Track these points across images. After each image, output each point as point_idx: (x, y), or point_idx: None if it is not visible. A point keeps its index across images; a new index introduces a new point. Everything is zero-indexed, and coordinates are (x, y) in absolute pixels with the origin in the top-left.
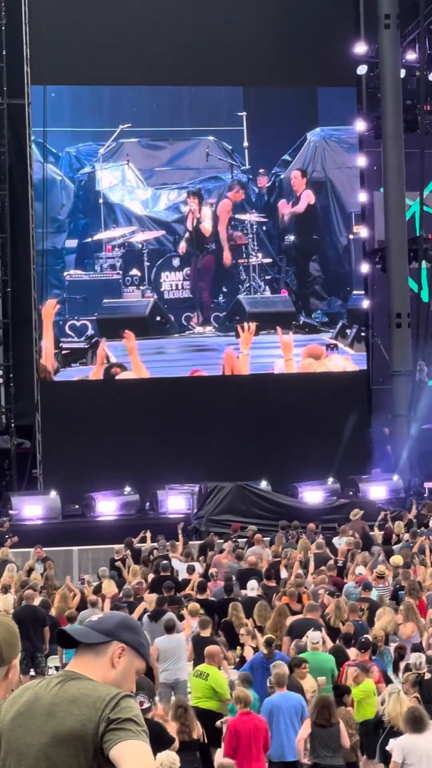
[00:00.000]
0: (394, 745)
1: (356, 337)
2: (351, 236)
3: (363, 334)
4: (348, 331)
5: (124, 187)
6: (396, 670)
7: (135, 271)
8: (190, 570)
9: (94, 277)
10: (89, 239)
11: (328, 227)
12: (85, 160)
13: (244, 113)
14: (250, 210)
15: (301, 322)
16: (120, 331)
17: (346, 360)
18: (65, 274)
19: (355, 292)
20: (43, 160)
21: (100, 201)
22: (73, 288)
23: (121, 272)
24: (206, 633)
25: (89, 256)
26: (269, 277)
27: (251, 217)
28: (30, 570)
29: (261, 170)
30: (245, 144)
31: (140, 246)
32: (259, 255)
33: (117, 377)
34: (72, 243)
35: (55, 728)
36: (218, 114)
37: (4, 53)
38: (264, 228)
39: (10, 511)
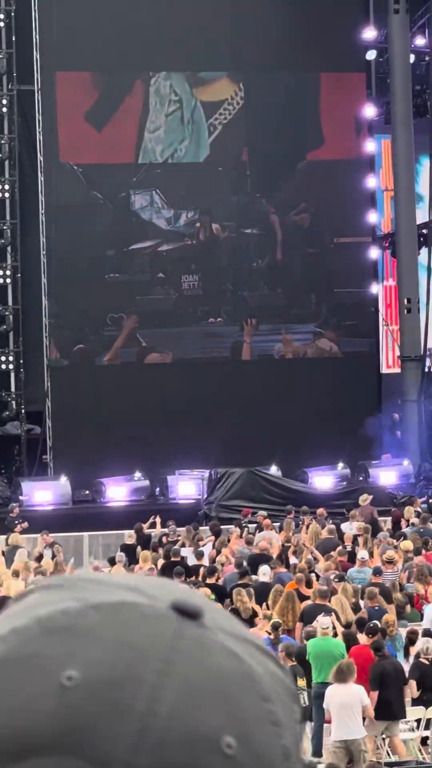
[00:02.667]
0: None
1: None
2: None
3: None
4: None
5: (152, 208)
6: (407, 654)
7: (160, 274)
8: (199, 555)
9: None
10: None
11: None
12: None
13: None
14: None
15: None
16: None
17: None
18: (106, 276)
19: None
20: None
21: (133, 219)
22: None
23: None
24: None
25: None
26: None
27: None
28: (39, 557)
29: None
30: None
31: (164, 254)
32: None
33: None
34: (111, 252)
35: None
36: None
37: (14, 39)
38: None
39: (21, 497)
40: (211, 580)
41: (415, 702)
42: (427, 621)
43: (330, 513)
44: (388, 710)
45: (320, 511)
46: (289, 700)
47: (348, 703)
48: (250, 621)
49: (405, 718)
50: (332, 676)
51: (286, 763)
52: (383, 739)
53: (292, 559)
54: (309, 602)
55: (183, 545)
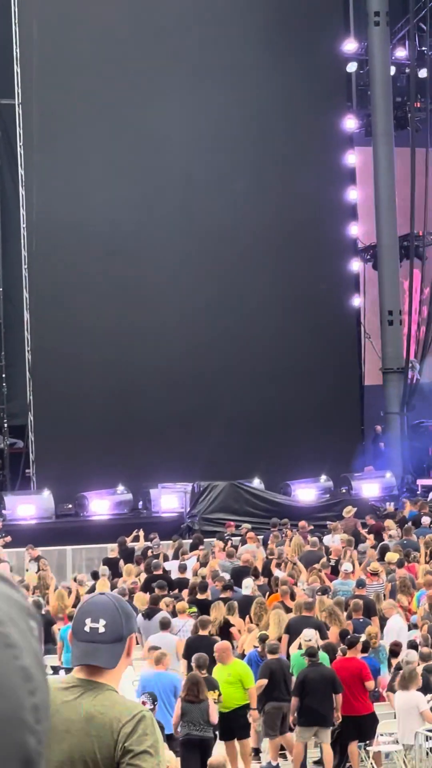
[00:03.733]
0: None
1: None
2: None
3: None
4: None
5: None
6: (390, 666)
7: None
8: (182, 568)
9: None
10: None
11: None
12: None
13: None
14: None
15: None
16: None
17: None
18: None
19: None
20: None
21: None
22: None
23: None
24: (204, 632)
25: None
26: None
27: None
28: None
29: None
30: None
31: None
32: None
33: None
34: None
35: (71, 747)
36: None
37: None
38: None
39: (4, 511)
40: (202, 596)
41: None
42: (393, 633)
43: (315, 525)
44: (311, 717)
45: (302, 524)
46: (24, 620)
47: (407, 708)
48: (223, 632)
49: (333, 726)
50: (397, 682)
51: (28, 683)
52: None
53: (276, 572)
54: (295, 614)
55: (166, 558)
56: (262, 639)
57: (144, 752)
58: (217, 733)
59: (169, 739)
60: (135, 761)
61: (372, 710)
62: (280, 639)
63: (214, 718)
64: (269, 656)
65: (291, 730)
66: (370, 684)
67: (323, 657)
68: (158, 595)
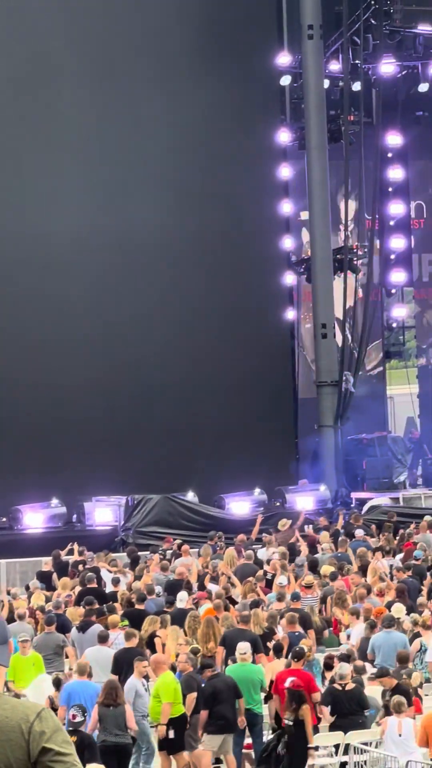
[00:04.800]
0: None
1: None
2: None
3: None
4: None
5: None
6: (324, 679)
7: None
8: (115, 582)
9: None
10: None
11: None
12: None
13: None
14: None
15: None
16: None
17: None
18: None
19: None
20: None
21: None
22: None
23: None
24: (131, 644)
25: None
26: None
27: None
28: None
29: None
30: None
31: None
32: None
33: None
34: None
35: None
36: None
37: None
38: None
39: None
40: (140, 606)
41: (332, 727)
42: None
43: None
44: (224, 724)
45: (239, 537)
46: None
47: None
48: (149, 644)
49: (238, 732)
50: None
51: None
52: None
53: (210, 585)
54: (232, 627)
55: (100, 571)
56: (194, 652)
57: (62, 746)
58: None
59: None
60: (58, 758)
61: (316, 722)
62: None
63: (131, 724)
64: (207, 672)
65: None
66: (316, 696)
67: (258, 669)
68: (92, 608)
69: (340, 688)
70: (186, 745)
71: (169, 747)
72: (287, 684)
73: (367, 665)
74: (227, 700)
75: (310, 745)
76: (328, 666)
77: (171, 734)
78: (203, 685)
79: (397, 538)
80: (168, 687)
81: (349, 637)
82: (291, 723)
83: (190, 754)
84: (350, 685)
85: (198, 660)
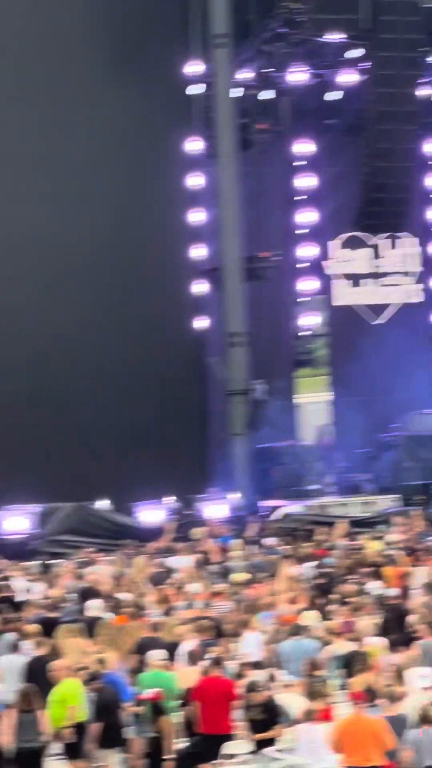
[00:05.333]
0: None
1: None
2: None
3: None
4: None
5: None
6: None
7: None
8: (28, 590)
9: None
10: None
11: None
12: None
13: None
14: None
15: None
16: None
17: None
18: None
19: None
20: None
21: None
22: None
23: None
24: (42, 651)
25: None
26: None
27: None
28: None
29: None
30: None
31: None
32: None
33: None
34: None
35: None
36: None
37: None
38: None
39: None
40: (53, 614)
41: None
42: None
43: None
44: (114, 738)
45: (151, 546)
46: None
47: None
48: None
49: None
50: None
51: None
52: None
53: (122, 593)
54: (144, 635)
55: (11, 580)
56: (101, 661)
57: None
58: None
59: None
60: None
61: (230, 731)
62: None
63: (46, 729)
64: (94, 683)
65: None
66: (236, 703)
67: (172, 677)
68: (4, 617)
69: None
70: (87, 755)
71: (71, 752)
72: (144, 696)
73: (278, 673)
74: (119, 714)
75: (167, 757)
76: (239, 675)
77: (73, 738)
78: (92, 696)
79: (308, 545)
80: (73, 692)
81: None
82: (153, 735)
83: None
84: (265, 693)
85: (104, 667)
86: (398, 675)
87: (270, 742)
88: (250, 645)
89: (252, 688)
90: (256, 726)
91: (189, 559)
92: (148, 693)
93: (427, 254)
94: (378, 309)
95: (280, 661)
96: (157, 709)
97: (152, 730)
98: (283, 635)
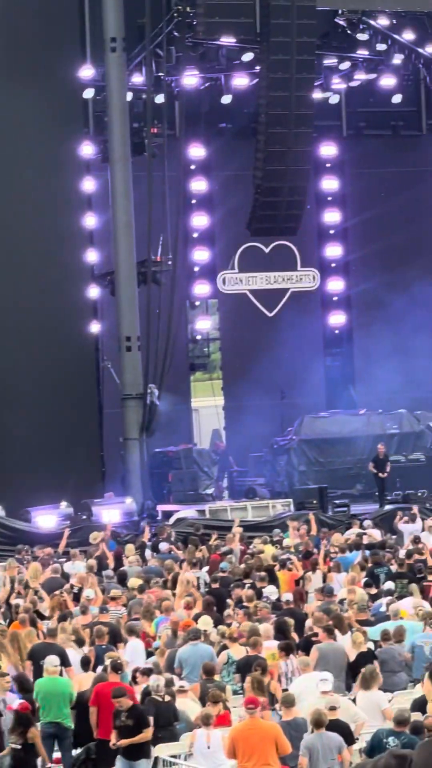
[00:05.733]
0: None
1: None
2: None
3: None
4: None
5: None
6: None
7: None
8: None
9: None
10: None
11: None
12: None
13: None
14: None
15: None
16: None
17: None
18: None
19: None
20: None
21: None
22: None
23: None
24: None
25: None
26: None
27: None
28: None
29: None
30: None
31: None
32: None
33: None
34: None
35: None
36: None
37: None
38: None
39: None
40: None
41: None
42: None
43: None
44: None
45: (47, 551)
46: None
47: (369, 708)
48: None
49: None
50: (359, 683)
51: None
52: None
53: (16, 599)
54: (39, 641)
55: None
56: None
57: None
58: None
59: None
60: None
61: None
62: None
63: None
64: None
65: None
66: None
67: (67, 683)
68: None
69: (160, 699)
70: None
71: None
72: (15, 706)
73: (175, 678)
74: None
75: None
76: (135, 680)
77: None
78: None
79: (203, 550)
80: None
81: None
82: (19, 747)
83: None
84: (167, 698)
85: None
86: (295, 680)
87: (138, 747)
88: (133, 652)
89: (118, 694)
90: (124, 731)
91: (84, 565)
92: (15, 703)
93: (322, 257)
94: (270, 301)
95: (178, 667)
96: (25, 720)
97: (19, 742)
98: (179, 640)
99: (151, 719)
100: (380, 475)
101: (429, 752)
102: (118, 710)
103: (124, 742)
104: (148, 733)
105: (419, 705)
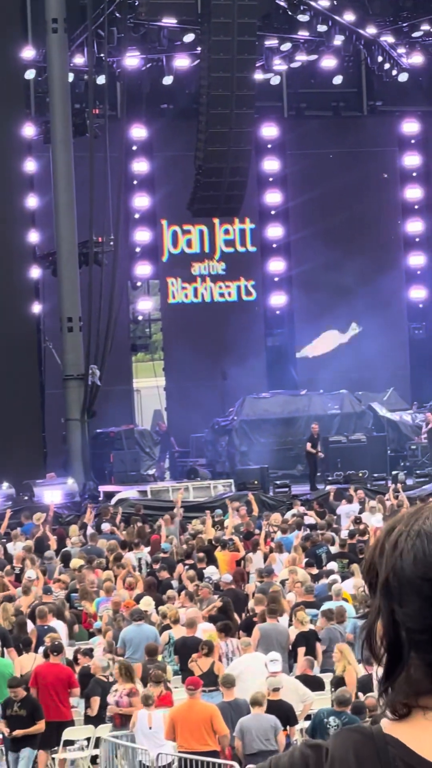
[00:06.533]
0: None
1: None
2: None
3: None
4: None
5: None
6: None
7: None
8: None
9: None
10: None
11: None
12: None
13: None
14: None
15: None
16: None
17: None
18: None
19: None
20: None
21: None
22: None
23: None
24: None
25: None
26: None
27: None
28: None
29: None
30: None
31: None
32: None
33: None
34: None
35: None
36: None
37: None
38: None
39: None
40: None
41: (87, 720)
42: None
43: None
44: None
45: None
46: None
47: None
48: None
49: None
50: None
51: None
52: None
53: None
54: None
55: None
56: None
57: None
58: None
59: None
60: None
61: (72, 717)
62: None
63: None
64: None
65: None
66: (76, 690)
67: (8, 663)
68: None
69: (105, 679)
70: None
71: None
72: None
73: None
74: None
75: None
76: (76, 659)
77: None
78: None
79: (144, 530)
80: None
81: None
82: None
83: None
84: (111, 678)
85: None
86: (235, 659)
87: (31, 738)
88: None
89: (14, 684)
90: (16, 722)
91: (26, 545)
92: None
93: (264, 238)
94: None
95: (121, 648)
96: None
97: None
98: (122, 621)
99: (97, 699)
100: (319, 454)
101: (348, 743)
102: (11, 700)
103: (19, 732)
104: (41, 725)
105: (363, 685)
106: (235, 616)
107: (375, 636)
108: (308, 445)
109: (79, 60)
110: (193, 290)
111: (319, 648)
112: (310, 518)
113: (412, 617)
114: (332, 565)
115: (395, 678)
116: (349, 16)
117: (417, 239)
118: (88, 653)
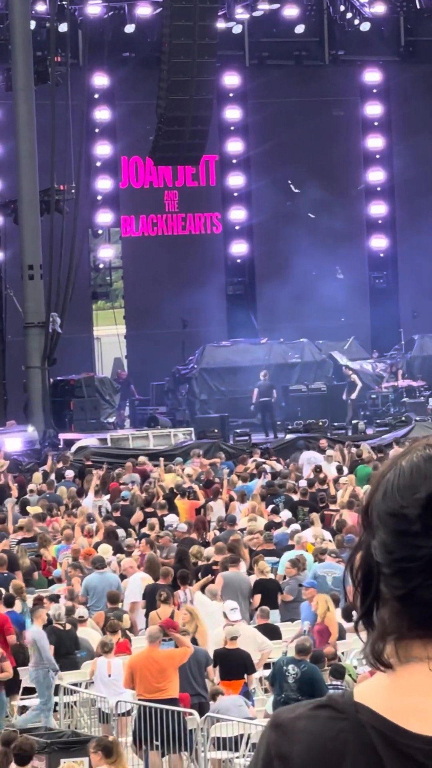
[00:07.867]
0: None
1: None
2: None
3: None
4: None
5: None
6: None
7: None
8: None
9: None
10: None
11: None
12: None
13: None
14: None
15: None
16: None
17: None
18: None
19: None
20: None
21: None
22: None
23: None
24: None
25: None
26: None
27: None
28: None
29: None
30: None
31: None
32: None
33: None
34: None
35: None
36: None
37: None
38: None
39: None
40: None
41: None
42: None
43: None
44: None
45: None
46: None
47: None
48: None
49: None
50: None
51: None
52: None
53: None
54: None
55: None
56: None
57: None
58: None
59: None
60: None
61: (14, 665)
62: None
63: None
64: None
65: None
66: (11, 638)
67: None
68: None
69: (61, 627)
70: None
71: None
72: None
73: (78, 606)
74: None
75: None
76: (36, 606)
77: None
78: None
79: (104, 478)
80: None
81: None
82: None
83: None
84: (68, 626)
85: None
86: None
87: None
88: None
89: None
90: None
91: None
92: None
93: (225, 186)
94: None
95: (83, 596)
96: None
97: None
98: (83, 569)
99: (52, 648)
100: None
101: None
102: None
103: None
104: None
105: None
106: (191, 564)
107: (355, 567)
108: (255, 392)
109: (41, 8)
110: (155, 239)
111: (282, 597)
112: (272, 466)
113: (379, 550)
114: (287, 514)
115: (368, 609)
116: None
117: (378, 188)
118: (54, 599)
